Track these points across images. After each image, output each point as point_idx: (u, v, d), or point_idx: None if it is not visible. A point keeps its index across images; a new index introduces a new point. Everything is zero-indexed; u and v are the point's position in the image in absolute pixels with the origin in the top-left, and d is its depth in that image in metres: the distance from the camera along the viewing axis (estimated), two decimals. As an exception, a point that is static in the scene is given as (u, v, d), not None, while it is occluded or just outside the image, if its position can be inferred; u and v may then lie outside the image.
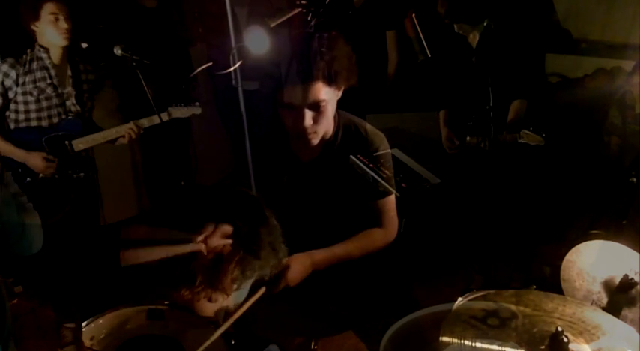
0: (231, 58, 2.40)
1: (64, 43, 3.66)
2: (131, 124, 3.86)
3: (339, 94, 2.40)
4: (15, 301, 1.62)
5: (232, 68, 2.39)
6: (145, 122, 3.91)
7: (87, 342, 1.62)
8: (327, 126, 2.42)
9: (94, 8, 4.38)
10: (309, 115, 2.30)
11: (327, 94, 2.29)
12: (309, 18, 2.43)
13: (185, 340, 1.66)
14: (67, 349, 1.52)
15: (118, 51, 3.74)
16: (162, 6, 4.75)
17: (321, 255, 2.41)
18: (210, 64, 2.88)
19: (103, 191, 4.83)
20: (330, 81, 2.27)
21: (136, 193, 5.30)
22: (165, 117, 3.94)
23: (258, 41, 2.32)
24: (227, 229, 1.74)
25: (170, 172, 4.82)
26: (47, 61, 3.65)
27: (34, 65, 3.63)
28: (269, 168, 2.57)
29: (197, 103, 4.12)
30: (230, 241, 1.74)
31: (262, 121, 2.62)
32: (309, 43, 2.27)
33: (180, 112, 4.02)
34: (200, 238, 1.70)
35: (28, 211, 2.24)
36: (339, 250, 2.48)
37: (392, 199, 2.58)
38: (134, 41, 4.01)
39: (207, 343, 1.61)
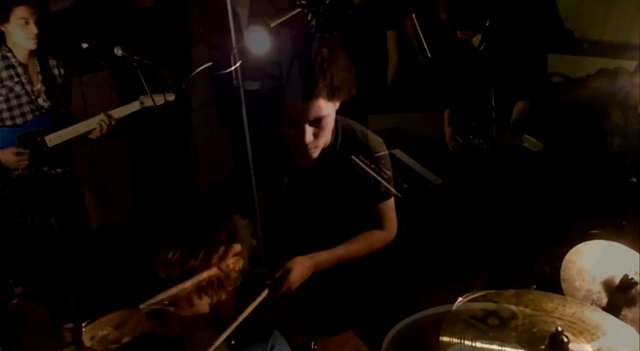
0: (232, 58, 2.40)
1: (32, 46, 3.62)
2: (102, 116, 3.78)
3: (338, 104, 2.39)
4: (15, 301, 1.63)
5: (233, 68, 2.39)
6: (115, 113, 3.83)
7: (87, 342, 1.63)
8: (327, 138, 2.42)
9: (93, 8, 4.37)
10: (310, 131, 2.29)
11: (328, 110, 2.28)
12: (309, 18, 2.43)
13: (185, 340, 1.66)
14: (67, 349, 1.52)
15: (118, 51, 3.71)
16: (159, 5, 4.74)
17: (322, 257, 2.41)
18: (211, 64, 2.88)
19: (103, 191, 4.84)
20: (331, 96, 2.26)
21: (135, 193, 5.29)
22: (137, 106, 3.87)
23: (259, 41, 2.32)
24: (237, 247, 1.75)
25: (171, 172, 4.81)
26: (13, 60, 3.64)
27: (0, 65, 3.64)
28: (269, 170, 2.57)
29: (170, 90, 4.03)
30: (240, 258, 1.75)
31: (263, 122, 2.61)
32: (310, 43, 2.27)
33: (152, 100, 3.97)
34: (213, 261, 1.71)
35: (28, 210, 2.24)
36: (339, 251, 2.47)
37: (391, 201, 2.57)
38: (134, 41, 4.00)
39: (212, 348, 1.61)
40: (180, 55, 4.89)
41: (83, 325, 1.66)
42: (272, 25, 2.37)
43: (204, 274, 1.70)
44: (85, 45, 3.74)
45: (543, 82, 5.16)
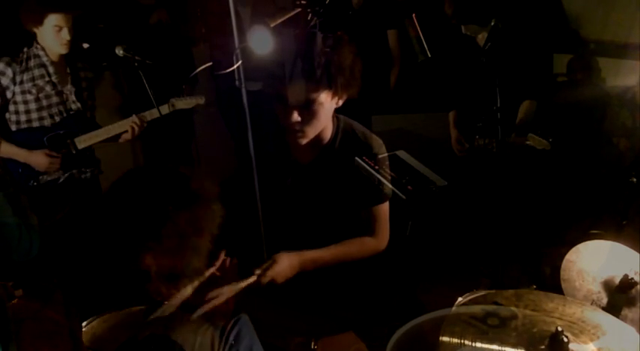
0: (234, 58, 2.40)
1: (63, 51, 3.58)
2: (134, 118, 3.77)
3: (339, 102, 2.39)
4: (15, 301, 1.64)
5: (234, 68, 2.39)
6: (147, 115, 3.82)
7: (87, 342, 1.63)
8: (317, 129, 2.41)
9: (94, 7, 4.35)
10: (297, 111, 2.30)
11: (321, 97, 2.28)
12: (309, 18, 2.43)
13: (185, 340, 1.66)
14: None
15: (119, 51, 3.69)
16: (161, 4, 4.74)
17: (308, 256, 2.41)
18: (211, 63, 2.88)
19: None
20: (328, 85, 2.26)
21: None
22: (168, 108, 3.88)
23: (261, 41, 2.32)
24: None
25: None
26: (44, 59, 3.59)
27: (31, 63, 3.57)
28: (271, 170, 2.57)
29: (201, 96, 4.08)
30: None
31: (264, 123, 2.62)
32: (312, 42, 2.27)
33: (183, 102, 3.95)
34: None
35: (25, 214, 2.23)
36: (327, 253, 2.47)
37: (385, 206, 2.57)
38: (135, 41, 3.99)
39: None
40: (182, 54, 4.90)
41: (83, 324, 1.66)
42: (272, 24, 2.37)
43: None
44: (85, 45, 3.71)
45: (549, 82, 5.14)
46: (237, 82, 2.45)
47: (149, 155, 5.14)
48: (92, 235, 1.88)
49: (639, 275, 2.04)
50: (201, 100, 4.05)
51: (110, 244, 1.70)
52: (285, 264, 2.31)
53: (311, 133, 2.38)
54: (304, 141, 2.40)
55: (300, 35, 2.40)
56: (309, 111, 2.29)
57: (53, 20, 3.48)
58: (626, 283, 2.05)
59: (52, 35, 3.51)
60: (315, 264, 2.42)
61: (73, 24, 3.55)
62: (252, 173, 2.49)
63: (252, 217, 2.55)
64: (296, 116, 2.29)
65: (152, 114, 3.83)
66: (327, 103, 2.33)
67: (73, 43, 3.60)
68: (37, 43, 3.58)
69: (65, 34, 3.52)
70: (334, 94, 2.32)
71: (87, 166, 3.85)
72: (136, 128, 3.78)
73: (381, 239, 2.60)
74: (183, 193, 1.72)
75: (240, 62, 2.40)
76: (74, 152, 3.71)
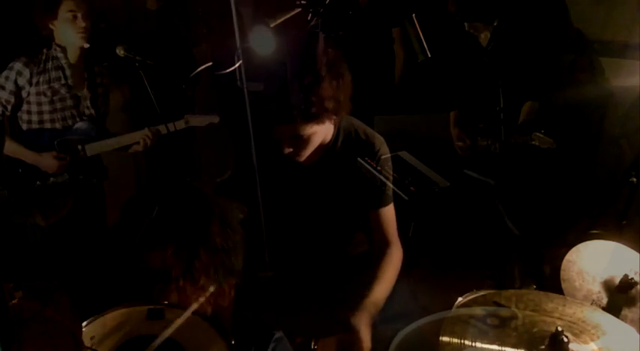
0: (235, 58, 2.40)
1: (81, 42, 3.57)
2: (146, 131, 3.78)
3: (329, 121, 2.41)
4: (15, 301, 1.63)
5: (234, 67, 2.40)
6: (160, 129, 3.83)
7: (87, 342, 1.62)
8: (313, 148, 2.43)
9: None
10: (289, 145, 2.36)
11: (307, 130, 2.32)
12: (309, 18, 2.43)
13: (185, 341, 1.66)
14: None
15: (120, 51, 3.68)
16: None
17: (370, 304, 2.39)
18: (211, 63, 2.88)
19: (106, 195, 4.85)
20: (318, 119, 2.29)
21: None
22: (182, 124, 3.90)
23: (262, 41, 2.32)
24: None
25: (174, 174, 4.81)
26: (63, 61, 3.58)
27: (49, 65, 3.56)
28: (272, 171, 2.57)
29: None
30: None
31: (266, 123, 2.62)
32: (314, 42, 2.27)
33: (198, 120, 3.98)
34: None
35: (30, 212, 2.24)
36: (379, 289, 2.46)
37: (391, 208, 2.57)
38: (136, 41, 3.98)
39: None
40: (184, 54, 4.89)
41: (83, 324, 1.66)
42: (272, 25, 2.37)
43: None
44: (86, 45, 3.70)
45: (551, 83, 5.14)
46: (238, 83, 2.45)
47: (149, 154, 5.12)
48: (102, 234, 1.91)
49: (639, 275, 2.04)
50: (216, 120, 4.07)
51: (126, 246, 1.72)
52: (365, 330, 2.30)
53: (307, 153, 2.42)
54: (303, 159, 2.43)
55: (301, 36, 2.40)
56: (299, 141, 2.33)
57: (67, 6, 3.49)
58: (626, 283, 2.05)
59: (69, 25, 3.50)
60: (379, 305, 2.42)
61: (88, 10, 3.55)
62: (254, 174, 2.49)
63: (254, 218, 2.55)
64: (287, 149, 2.36)
65: (164, 129, 3.84)
66: (316, 129, 2.35)
67: (92, 38, 3.59)
68: (57, 45, 3.58)
69: (80, 22, 3.51)
70: (327, 121, 2.34)
71: (95, 174, 3.85)
72: (148, 141, 3.79)
73: (398, 244, 2.61)
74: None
75: (240, 62, 2.40)
76: (83, 158, 3.71)
